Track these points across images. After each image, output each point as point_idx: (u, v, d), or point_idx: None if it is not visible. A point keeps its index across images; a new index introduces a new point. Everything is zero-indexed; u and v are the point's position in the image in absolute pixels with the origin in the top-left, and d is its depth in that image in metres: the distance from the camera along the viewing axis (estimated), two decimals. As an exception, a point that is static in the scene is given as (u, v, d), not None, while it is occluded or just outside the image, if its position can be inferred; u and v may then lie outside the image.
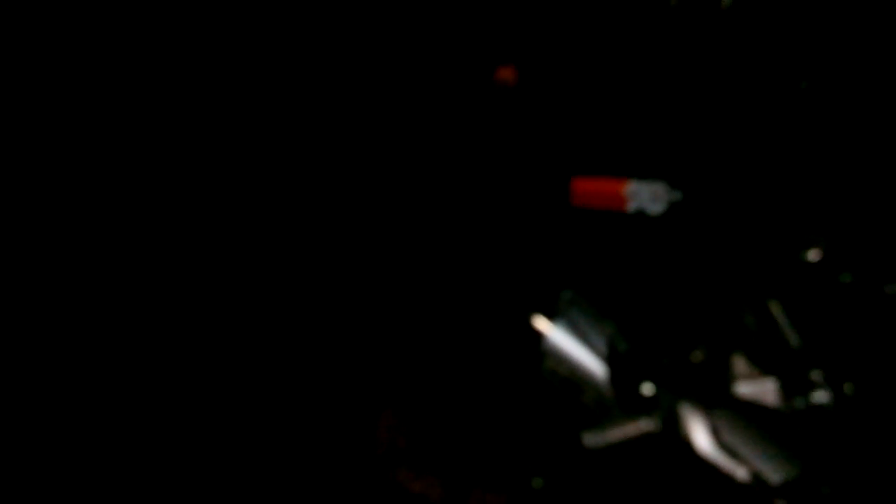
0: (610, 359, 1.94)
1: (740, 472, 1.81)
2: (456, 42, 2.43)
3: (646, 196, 2.00)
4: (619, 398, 1.91)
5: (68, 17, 2.48)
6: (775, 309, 1.86)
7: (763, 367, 1.85)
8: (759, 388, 1.84)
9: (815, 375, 1.82)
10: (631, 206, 2.00)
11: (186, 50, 2.51)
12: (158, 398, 2.41)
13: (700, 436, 1.84)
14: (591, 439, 1.88)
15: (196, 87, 2.52)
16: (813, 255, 1.87)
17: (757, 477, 1.80)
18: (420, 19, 2.47)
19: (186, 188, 2.50)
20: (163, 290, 2.46)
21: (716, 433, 1.83)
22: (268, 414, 2.41)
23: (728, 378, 1.86)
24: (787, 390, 1.82)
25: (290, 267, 2.48)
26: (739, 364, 1.86)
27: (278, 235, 2.49)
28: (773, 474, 1.80)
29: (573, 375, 1.96)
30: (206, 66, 2.51)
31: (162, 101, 2.51)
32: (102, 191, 2.49)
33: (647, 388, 1.90)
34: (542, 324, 2.00)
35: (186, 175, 2.51)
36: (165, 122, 2.51)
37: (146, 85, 2.51)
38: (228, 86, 2.52)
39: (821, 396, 1.81)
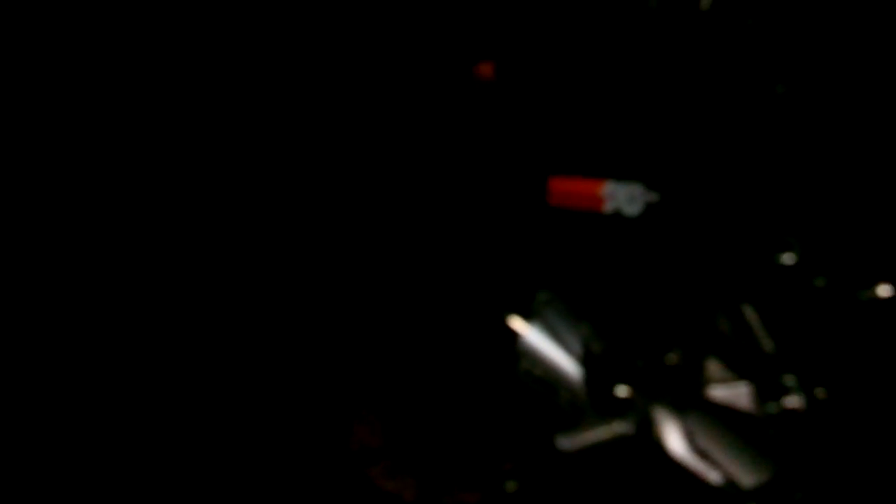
0: (585, 360, 1.94)
1: (713, 476, 1.82)
2: (434, 38, 2.42)
3: (623, 197, 1.99)
4: (593, 400, 1.91)
5: (68, 17, 2.47)
6: (749, 313, 1.87)
7: (737, 371, 1.85)
8: (732, 392, 1.84)
9: (789, 380, 1.82)
10: (608, 207, 2.00)
11: (170, 52, 2.50)
12: (126, 399, 2.41)
13: (674, 439, 1.84)
14: (565, 441, 1.88)
15: (182, 88, 2.51)
16: (787, 258, 1.87)
17: (730, 481, 1.81)
18: (398, 15, 2.46)
19: (161, 191, 2.50)
20: (128, 294, 2.46)
21: (689, 436, 1.83)
22: (241, 412, 2.40)
23: (702, 381, 1.86)
24: (760, 394, 1.83)
25: (264, 267, 2.48)
26: (713, 368, 1.87)
27: (249, 237, 2.48)
28: (746, 478, 1.81)
29: (548, 377, 1.96)
30: (196, 66, 2.51)
31: (154, 101, 2.51)
32: (101, 191, 2.49)
33: (622, 391, 1.90)
34: (517, 324, 2.00)
35: (162, 177, 2.51)
36: (157, 122, 2.51)
37: (146, 85, 2.50)
38: (212, 86, 2.52)
39: (794, 401, 1.81)
